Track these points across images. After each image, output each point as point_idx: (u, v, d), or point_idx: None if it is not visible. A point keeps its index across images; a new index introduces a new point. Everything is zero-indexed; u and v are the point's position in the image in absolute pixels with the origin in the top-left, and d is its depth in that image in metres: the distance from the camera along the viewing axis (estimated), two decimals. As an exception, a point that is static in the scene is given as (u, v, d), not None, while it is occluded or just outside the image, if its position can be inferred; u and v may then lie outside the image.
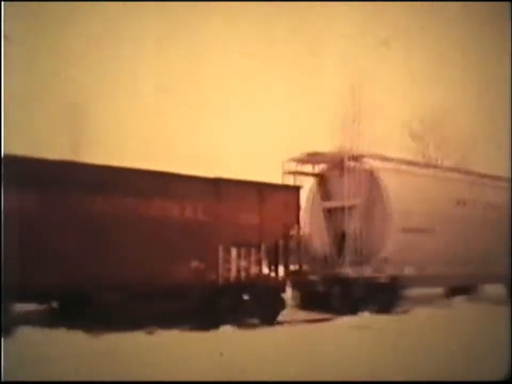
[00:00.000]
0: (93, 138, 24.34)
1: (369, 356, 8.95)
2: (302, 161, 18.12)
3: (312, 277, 16.79)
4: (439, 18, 31.98)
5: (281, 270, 15.30)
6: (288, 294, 16.28)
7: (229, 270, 14.09)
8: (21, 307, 11.30)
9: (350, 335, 11.84)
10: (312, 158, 18.16)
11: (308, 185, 18.63)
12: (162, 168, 13.51)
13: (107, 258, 12.11)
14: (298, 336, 11.66)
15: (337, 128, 29.10)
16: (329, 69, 33.68)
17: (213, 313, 13.60)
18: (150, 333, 11.55)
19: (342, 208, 17.38)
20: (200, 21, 32.56)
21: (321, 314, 15.87)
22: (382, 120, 29.31)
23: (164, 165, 13.94)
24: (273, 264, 15.26)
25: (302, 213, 16.54)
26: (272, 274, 15.28)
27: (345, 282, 16.56)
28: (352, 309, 15.83)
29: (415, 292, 19.28)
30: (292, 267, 15.54)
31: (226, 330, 12.72)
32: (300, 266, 15.88)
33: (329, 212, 18.25)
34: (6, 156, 10.51)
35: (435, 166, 25.13)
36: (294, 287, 16.61)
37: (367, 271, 16.88)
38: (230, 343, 10.48)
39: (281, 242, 15.20)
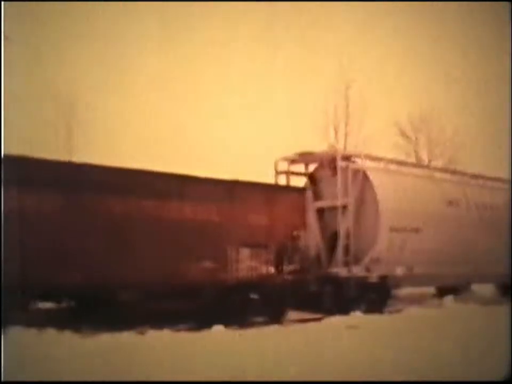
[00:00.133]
0: (92, 139, 24.26)
1: (362, 355, 8.90)
2: (294, 161, 18.16)
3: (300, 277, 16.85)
4: (437, 18, 32.21)
5: (287, 270, 15.54)
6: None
7: (239, 270, 14.35)
8: (41, 306, 11.47)
9: (342, 334, 11.82)
10: (304, 157, 18.21)
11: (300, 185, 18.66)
12: (157, 168, 13.60)
13: (123, 258, 12.34)
14: (292, 336, 11.65)
15: (328, 127, 29.26)
16: (320, 68, 33.88)
17: (223, 312, 13.78)
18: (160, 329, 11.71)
19: (334, 208, 17.43)
20: (198, 22, 32.55)
21: (311, 314, 15.91)
22: (373, 120, 29.50)
23: (159, 164, 14.05)
24: (280, 264, 15.43)
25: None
26: (279, 274, 15.46)
27: (337, 282, 16.61)
28: (344, 309, 15.84)
29: (406, 291, 19.41)
30: (291, 267, 15.68)
31: (220, 329, 12.71)
32: (300, 266, 16.06)
33: (321, 212, 18.29)
34: (7, 156, 10.48)
35: (427, 167, 25.35)
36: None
37: (358, 271, 16.96)
38: (224, 343, 10.46)
39: (288, 243, 15.46)
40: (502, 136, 19.62)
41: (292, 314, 16.10)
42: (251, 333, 12.18)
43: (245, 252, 14.47)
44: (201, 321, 13.01)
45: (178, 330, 12.47)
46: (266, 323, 14.19)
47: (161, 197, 13.21)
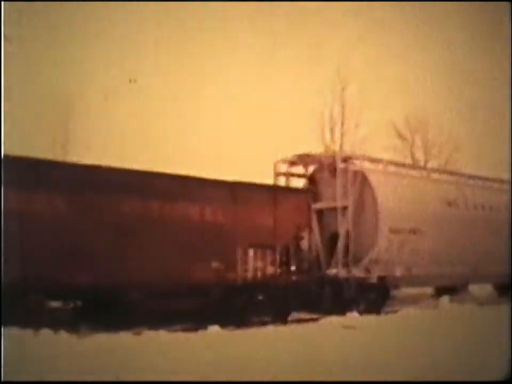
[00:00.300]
0: (92, 139, 24.28)
1: (360, 355, 8.90)
2: (293, 162, 18.24)
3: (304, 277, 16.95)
4: (435, 18, 32.24)
5: (292, 270, 15.73)
6: None
7: (246, 270, 14.54)
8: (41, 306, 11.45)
9: (340, 334, 11.87)
10: (303, 159, 18.29)
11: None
12: (154, 168, 13.69)
13: (132, 259, 12.49)
14: (291, 336, 11.69)
15: (324, 128, 29.33)
16: (317, 70, 33.93)
17: (231, 312, 14.01)
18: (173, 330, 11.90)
19: (333, 209, 17.52)
20: (198, 23, 32.54)
21: (312, 314, 15.99)
22: (370, 121, 29.54)
23: (158, 166, 14.10)
24: (285, 264, 15.58)
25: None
26: (285, 274, 15.63)
27: (337, 283, 16.70)
28: (343, 309, 15.94)
29: (404, 291, 19.50)
30: (294, 267, 15.83)
31: (217, 330, 12.75)
32: (303, 267, 16.19)
33: (320, 213, 18.36)
34: (7, 156, 10.51)
35: (426, 168, 25.44)
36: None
37: (357, 272, 17.05)
38: (221, 343, 10.47)
39: (293, 244, 15.67)
40: (501, 137, 19.69)
41: (292, 315, 16.21)
42: (250, 333, 12.22)
43: (251, 253, 14.64)
44: (208, 321, 13.04)
45: (186, 329, 12.57)
46: (270, 323, 14.28)
47: (167, 198, 13.36)
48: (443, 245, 18.46)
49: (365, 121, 29.29)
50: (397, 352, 8.94)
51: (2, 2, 9.13)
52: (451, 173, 23.00)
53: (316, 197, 18.58)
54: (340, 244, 17.15)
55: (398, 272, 17.73)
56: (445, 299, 18.57)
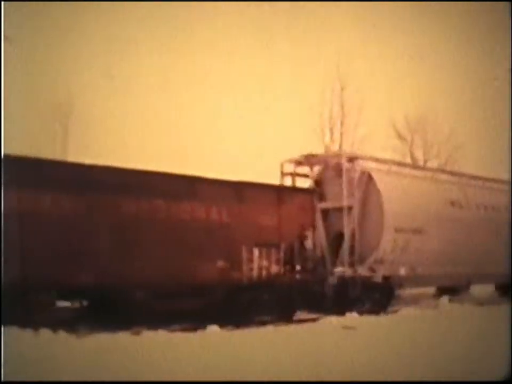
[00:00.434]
0: (91, 139, 24.27)
1: (361, 355, 8.87)
2: (299, 162, 18.33)
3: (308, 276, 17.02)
4: (435, 18, 32.32)
5: (297, 269, 15.82)
6: None
7: (251, 269, 14.59)
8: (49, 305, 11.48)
9: (340, 335, 11.88)
10: (309, 159, 18.38)
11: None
12: (160, 169, 13.76)
13: (136, 259, 12.51)
14: (290, 336, 11.69)
15: (324, 128, 29.40)
16: (316, 69, 33.98)
17: (236, 311, 14.09)
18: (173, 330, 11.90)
19: (338, 209, 17.62)
20: (198, 23, 32.59)
21: (317, 314, 16.06)
22: (369, 121, 29.64)
23: (157, 166, 14.12)
24: (290, 263, 15.66)
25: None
26: (289, 273, 15.73)
27: (343, 282, 16.79)
28: (347, 309, 16.01)
29: (407, 291, 19.60)
30: (299, 266, 15.89)
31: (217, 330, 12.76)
32: (308, 266, 16.26)
33: (325, 213, 18.45)
34: (7, 156, 10.49)
35: (430, 168, 25.55)
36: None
37: (363, 271, 17.15)
38: (221, 343, 10.49)
39: (297, 243, 15.76)
40: (501, 137, 19.81)
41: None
42: (249, 333, 12.26)
43: (256, 252, 14.72)
44: (212, 320, 13.09)
45: (185, 329, 12.53)
46: (275, 322, 14.35)
47: (172, 197, 13.41)
48: (447, 244, 18.55)
49: (365, 121, 29.44)
50: (396, 352, 8.96)
51: (2, 2, 9.14)
52: (453, 173, 23.12)
53: (321, 197, 18.71)
54: (346, 244, 17.25)
55: (403, 271, 17.84)
56: (444, 299, 18.70)
